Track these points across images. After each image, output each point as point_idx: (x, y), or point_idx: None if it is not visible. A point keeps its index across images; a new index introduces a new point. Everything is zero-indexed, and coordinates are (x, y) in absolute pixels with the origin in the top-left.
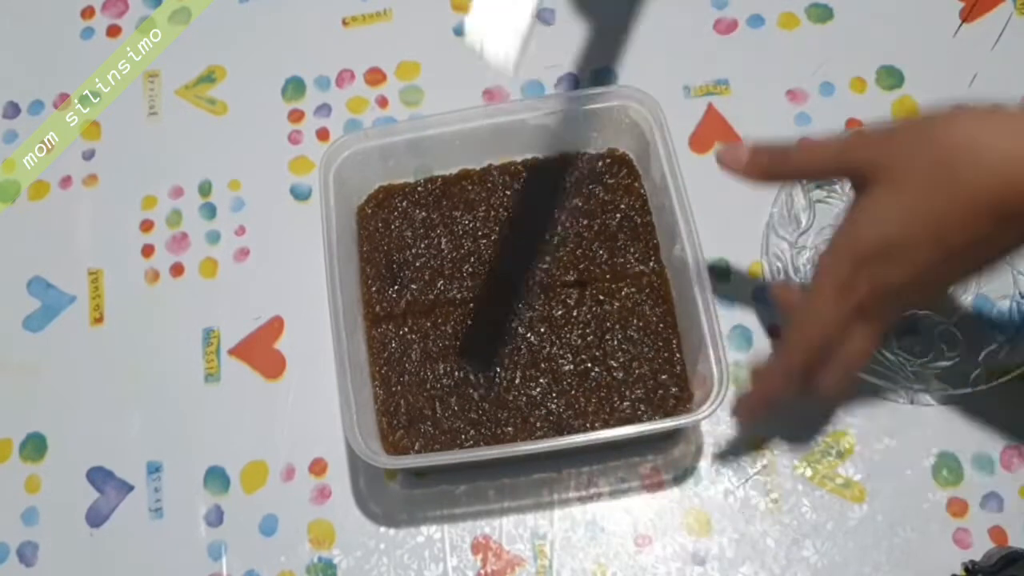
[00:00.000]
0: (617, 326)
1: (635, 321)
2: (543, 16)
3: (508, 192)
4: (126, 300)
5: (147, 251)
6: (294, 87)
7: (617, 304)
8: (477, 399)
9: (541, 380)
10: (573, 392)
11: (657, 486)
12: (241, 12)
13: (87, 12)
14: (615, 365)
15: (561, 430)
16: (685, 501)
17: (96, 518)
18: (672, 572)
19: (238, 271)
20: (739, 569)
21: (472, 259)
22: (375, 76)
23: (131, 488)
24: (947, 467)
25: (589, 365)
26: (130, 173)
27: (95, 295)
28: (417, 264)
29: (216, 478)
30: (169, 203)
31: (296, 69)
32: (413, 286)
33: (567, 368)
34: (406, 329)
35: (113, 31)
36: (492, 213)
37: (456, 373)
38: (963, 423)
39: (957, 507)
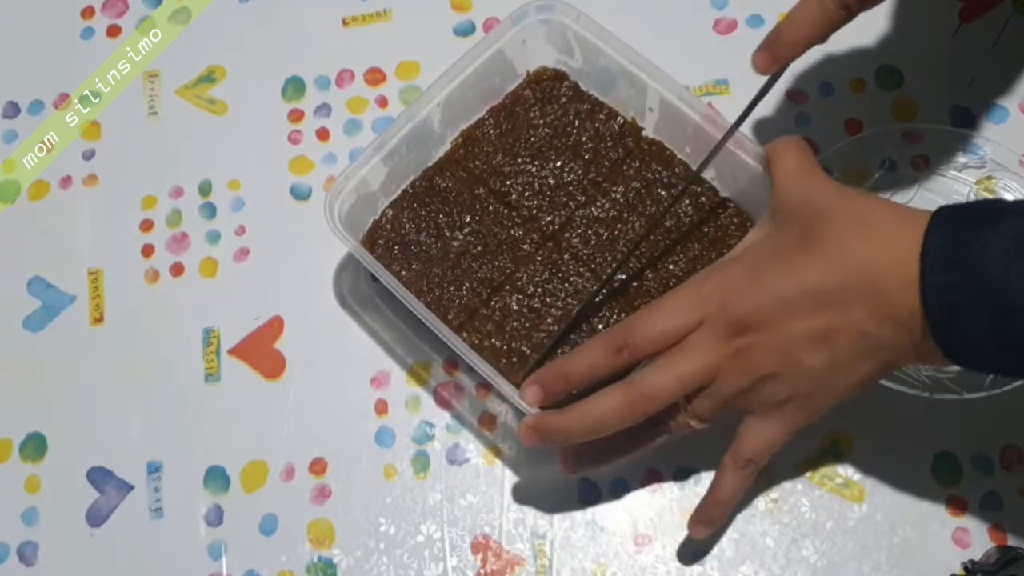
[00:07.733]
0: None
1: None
2: None
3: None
4: (126, 300)
5: (147, 251)
6: (294, 87)
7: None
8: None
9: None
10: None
11: (657, 485)
12: (241, 12)
13: (87, 12)
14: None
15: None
16: (685, 500)
17: (96, 518)
18: (672, 571)
19: (238, 271)
20: (738, 569)
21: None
22: (375, 76)
23: (131, 488)
24: (947, 467)
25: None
26: (130, 173)
27: (95, 295)
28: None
29: (216, 478)
30: (169, 203)
31: (296, 69)
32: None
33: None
34: (478, 191)
35: (113, 31)
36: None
37: (493, 267)
38: (963, 423)
39: (957, 507)
